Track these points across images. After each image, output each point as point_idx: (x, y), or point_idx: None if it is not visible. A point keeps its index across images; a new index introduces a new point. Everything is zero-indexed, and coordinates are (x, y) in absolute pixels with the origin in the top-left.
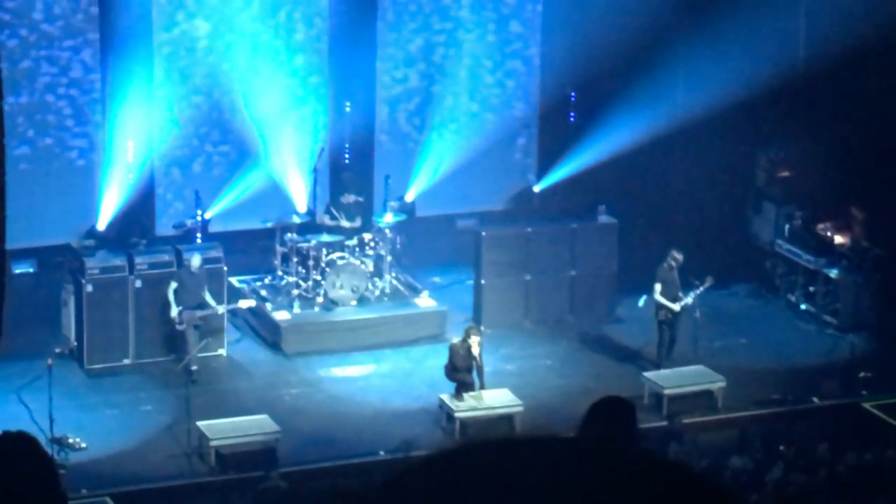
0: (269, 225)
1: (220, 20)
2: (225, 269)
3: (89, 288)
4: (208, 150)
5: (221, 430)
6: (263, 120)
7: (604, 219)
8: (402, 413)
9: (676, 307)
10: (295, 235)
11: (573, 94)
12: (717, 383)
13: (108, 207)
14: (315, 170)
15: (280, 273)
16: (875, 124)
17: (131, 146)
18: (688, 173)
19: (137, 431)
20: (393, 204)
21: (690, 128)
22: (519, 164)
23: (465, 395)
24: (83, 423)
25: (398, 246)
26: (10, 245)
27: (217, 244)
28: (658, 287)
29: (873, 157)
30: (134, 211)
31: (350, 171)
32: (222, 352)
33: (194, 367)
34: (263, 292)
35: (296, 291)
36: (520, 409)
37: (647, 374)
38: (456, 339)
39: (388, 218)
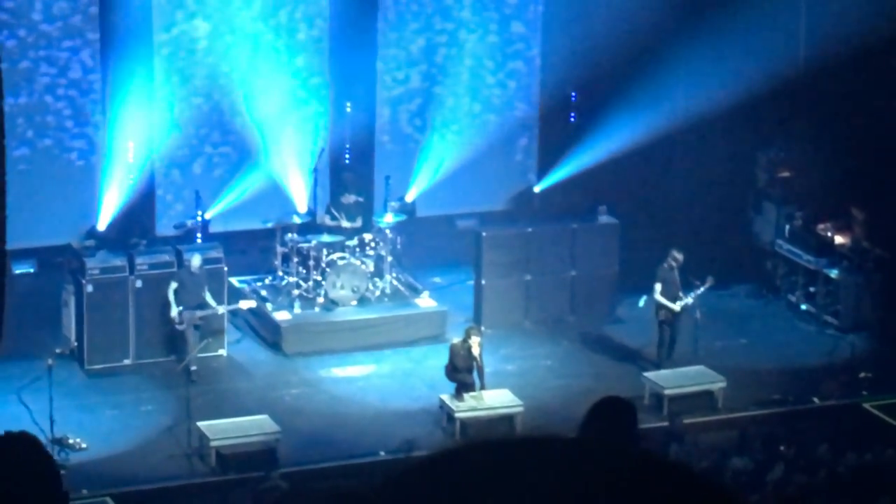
0: (269, 225)
1: (220, 20)
2: (225, 269)
3: (90, 288)
4: (208, 151)
5: (222, 430)
6: (264, 120)
7: (604, 219)
8: (403, 413)
9: (676, 307)
10: (295, 236)
11: (573, 94)
12: (718, 384)
13: (109, 208)
14: (315, 170)
15: (280, 273)
16: (875, 124)
17: (131, 146)
18: (688, 173)
19: (138, 432)
20: (393, 204)
21: (691, 128)
22: (519, 164)
23: (466, 396)
24: (84, 424)
25: (398, 246)
26: (11, 245)
27: (217, 244)
28: (658, 287)
29: (873, 157)
30: (134, 211)
31: (350, 172)
32: (223, 352)
33: (193, 367)
34: (264, 292)
35: (296, 292)
36: (520, 409)
37: (647, 374)
38: (456, 340)
39: (389, 218)
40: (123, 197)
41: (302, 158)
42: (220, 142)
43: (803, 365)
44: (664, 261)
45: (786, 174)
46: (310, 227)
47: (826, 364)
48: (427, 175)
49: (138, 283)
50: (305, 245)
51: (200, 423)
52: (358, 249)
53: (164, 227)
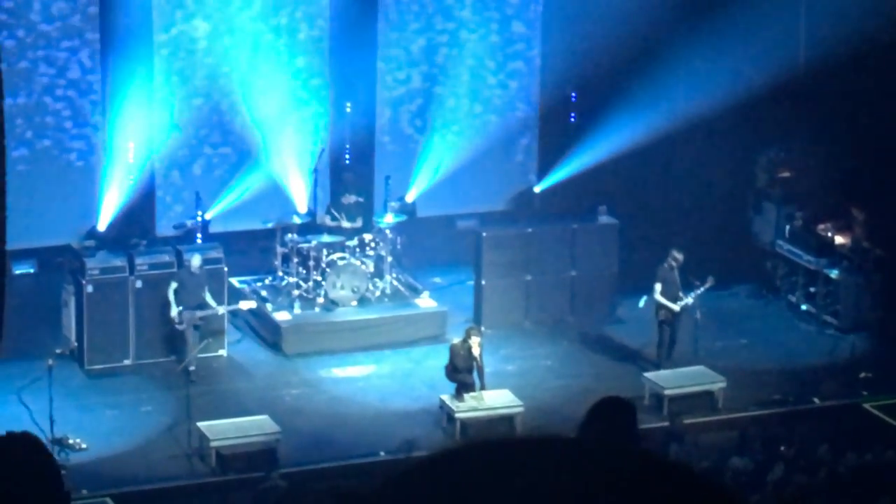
0: (269, 225)
1: (220, 21)
2: (225, 269)
3: (90, 288)
4: (208, 151)
5: (222, 430)
6: (264, 120)
7: (604, 219)
8: (403, 414)
9: (676, 307)
10: (295, 236)
11: (574, 94)
12: (718, 384)
13: (109, 208)
14: (316, 170)
15: (280, 273)
16: (875, 124)
17: (132, 147)
18: (688, 174)
19: (138, 432)
20: (393, 204)
21: (691, 128)
22: (519, 164)
23: (466, 396)
24: (83, 424)
25: (399, 246)
26: (11, 246)
27: (217, 245)
28: (658, 287)
29: (873, 157)
30: (134, 211)
31: (351, 172)
32: (223, 352)
33: (192, 368)
34: (264, 293)
35: (296, 292)
36: (520, 409)
37: (647, 374)
38: (456, 340)
39: (389, 218)
40: (123, 197)
41: (302, 159)
42: (220, 142)
43: (803, 365)
44: (664, 261)
45: (786, 174)
46: (310, 227)
47: (826, 364)
48: (427, 175)
49: (138, 284)
50: (305, 245)
51: (200, 424)
52: (358, 250)
53: (164, 228)
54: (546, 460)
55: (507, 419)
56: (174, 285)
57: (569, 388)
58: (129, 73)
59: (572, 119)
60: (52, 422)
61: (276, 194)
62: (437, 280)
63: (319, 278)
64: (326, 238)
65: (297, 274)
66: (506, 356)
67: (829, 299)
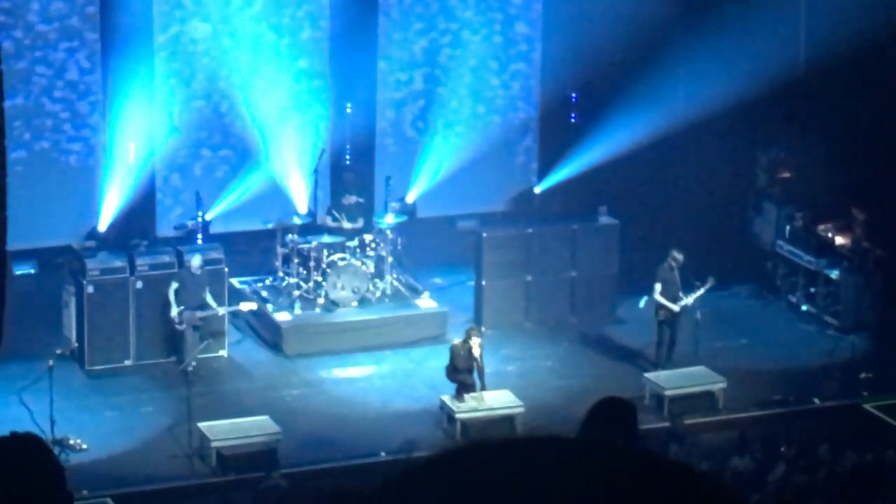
0: (270, 226)
1: (221, 21)
2: (226, 270)
3: (90, 289)
4: (209, 152)
5: (222, 431)
6: (264, 121)
7: (605, 220)
8: (403, 414)
9: (676, 307)
10: (296, 236)
11: (574, 95)
12: (718, 384)
13: (109, 209)
14: (316, 171)
15: (281, 274)
16: (875, 125)
17: (132, 147)
18: (688, 174)
19: (138, 432)
20: (394, 205)
21: (691, 129)
22: (520, 165)
23: (466, 396)
24: (84, 425)
25: (399, 247)
26: (11, 246)
27: (218, 245)
28: (658, 287)
29: (874, 157)
30: (135, 212)
31: (351, 173)
32: (223, 353)
33: (189, 368)
34: (264, 293)
35: (297, 292)
36: (521, 410)
37: (647, 374)
38: (457, 340)
39: (389, 219)
40: (124, 198)
41: (302, 159)
42: (220, 143)
43: (804, 365)
44: (664, 261)
45: (786, 175)
46: (310, 227)
47: (826, 365)
48: (427, 176)
49: (139, 284)
50: (306, 246)
51: (201, 424)
52: (358, 250)
53: (165, 228)
54: (546, 461)
55: (508, 420)
56: (175, 285)
57: (569, 388)
58: (130, 73)
59: (573, 119)
60: (52, 422)
61: (276, 195)
62: (438, 280)
63: (320, 279)
64: (327, 238)
65: (298, 274)
66: (506, 357)
67: (829, 300)
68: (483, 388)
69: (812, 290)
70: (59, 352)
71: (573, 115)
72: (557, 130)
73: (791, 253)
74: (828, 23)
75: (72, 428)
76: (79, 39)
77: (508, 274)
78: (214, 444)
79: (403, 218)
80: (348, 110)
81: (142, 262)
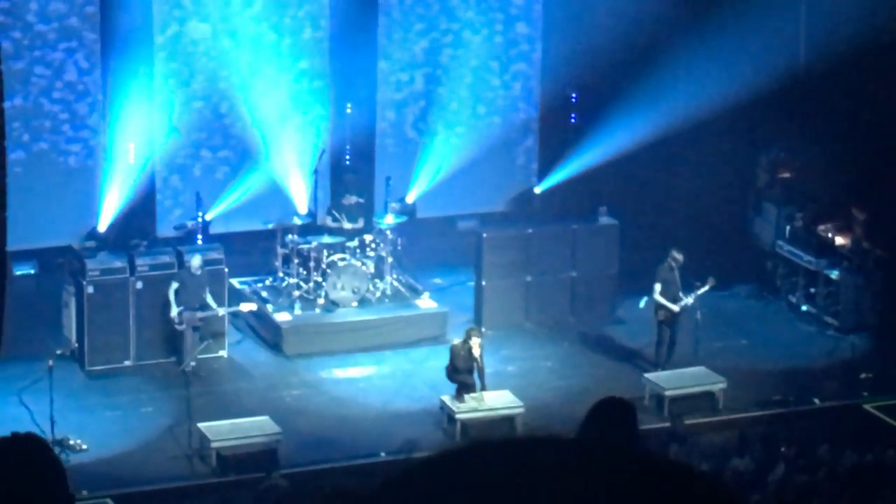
0: (270, 226)
1: (221, 22)
2: (226, 270)
3: (90, 289)
4: (209, 153)
5: (222, 431)
6: (264, 121)
7: (604, 220)
8: (404, 414)
9: (676, 308)
10: (296, 237)
11: (574, 95)
12: (718, 384)
13: (109, 209)
14: (316, 171)
15: (281, 274)
16: (876, 125)
17: (132, 148)
18: (689, 174)
19: (138, 433)
20: (394, 205)
21: (691, 129)
22: (520, 165)
23: (466, 397)
24: (84, 425)
25: (399, 247)
26: (11, 247)
27: (218, 245)
28: (658, 287)
29: (874, 157)
30: (135, 212)
31: (351, 173)
32: (223, 353)
33: (188, 368)
34: (264, 293)
35: (297, 293)
36: (521, 410)
37: (648, 375)
38: (457, 341)
39: (389, 219)
40: (124, 198)
41: (302, 159)
42: (220, 143)
43: (804, 366)
44: (664, 261)
45: (786, 175)
46: (310, 228)
47: (826, 365)
48: (427, 176)
49: (139, 285)
50: (306, 246)
51: (201, 425)
52: (358, 250)
53: (165, 229)
54: (546, 461)
55: (508, 420)
56: (175, 285)
57: (569, 388)
58: (130, 74)
59: (573, 120)
60: (52, 423)
61: (276, 195)
62: (438, 281)
63: (320, 279)
64: (327, 239)
65: (298, 275)
66: (506, 357)
67: (829, 300)
68: (483, 388)
69: (812, 290)
70: (59, 352)
71: (573, 115)
72: (557, 131)
73: (791, 253)
74: (828, 23)
75: (72, 428)
76: (77, 40)
77: (508, 274)
78: (214, 445)
79: (403, 218)
80: (348, 110)
81: (142, 263)
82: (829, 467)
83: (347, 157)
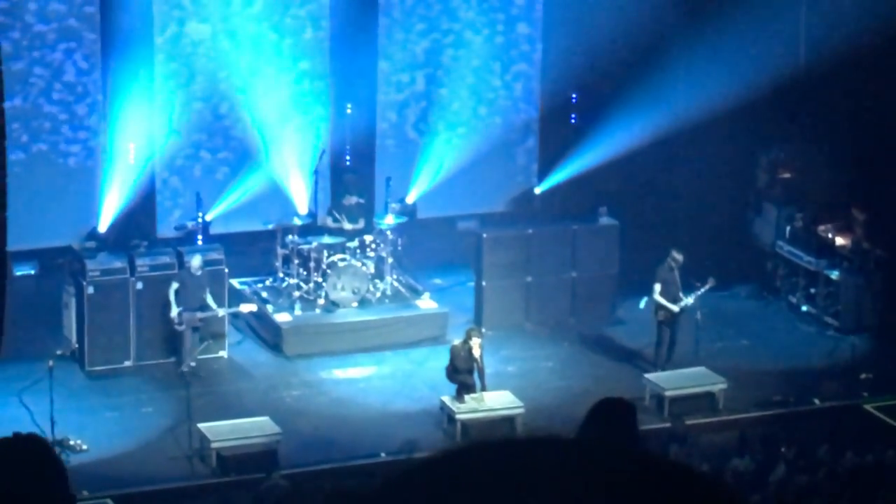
0: (270, 227)
1: (221, 23)
2: (226, 270)
3: (90, 290)
4: (209, 152)
5: (222, 431)
6: (264, 122)
7: (605, 220)
8: (404, 415)
9: (675, 308)
10: (296, 237)
11: (574, 95)
12: (718, 385)
13: (110, 209)
14: (316, 171)
15: (281, 275)
16: (876, 125)
17: (132, 148)
18: (689, 175)
19: (138, 433)
20: (394, 206)
21: (691, 129)
22: (520, 165)
23: (467, 397)
24: (84, 425)
25: (399, 248)
26: (12, 247)
27: (218, 246)
28: (658, 287)
29: (874, 158)
30: (135, 213)
31: (351, 173)
32: (223, 353)
33: (186, 369)
34: (265, 294)
35: (297, 293)
36: (521, 410)
37: (648, 375)
38: (457, 341)
39: (390, 220)
40: (124, 199)
41: (303, 160)
42: (220, 144)
43: (804, 366)
44: (664, 261)
45: (786, 175)
46: (311, 228)
47: (826, 365)
48: (428, 176)
49: (139, 285)
50: (306, 247)
51: (201, 425)
52: (358, 251)
53: (165, 229)
54: (546, 461)
55: (508, 420)
56: (175, 286)
57: (569, 389)
58: (130, 74)
59: (573, 120)
60: (52, 423)
61: (276, 195)
62: (438, 281)
63: (320, 279)
64: (327, 239)
65: (298, 275)
66: (506, 357)
67: (829, 300)
68: (483, 388)
69: (812, 290)
70: (59, 352)
71: (573, 115)
72: (558, 131)
73: (791, 253)
74: (828, 23)
75: (72, 429)
76: (77, 40)
77: (509, 275)
78: (215, 445)
79: (404, 219)
80: (348, 111)
81: (142, 263)
82: (829, 467)
83: (347, 157)
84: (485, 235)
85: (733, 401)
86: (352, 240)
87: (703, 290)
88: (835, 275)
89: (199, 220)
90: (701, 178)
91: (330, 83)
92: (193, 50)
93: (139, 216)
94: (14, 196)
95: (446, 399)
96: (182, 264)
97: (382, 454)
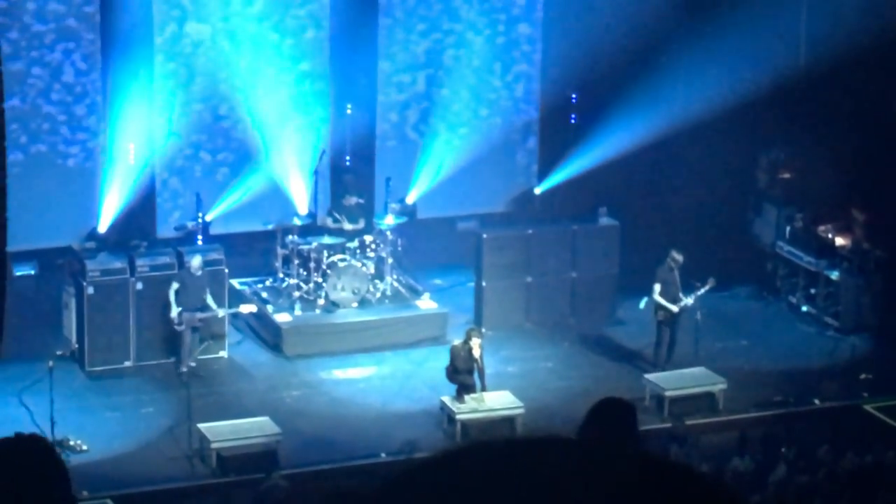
0: (270, 227)
1: (221, 23)
2: (226, 271)
3: (90, 290)
4: (209, 153)
5: (222, 432)
6: (264, 122)
7: (605, 221)
8: (404, 415)
9: (675, 308)
10: (296, 237)
11: (574, 96)
12: (718, 385)
13: (110, 210)
14: (316, 172)
15: (281, 275)
16: (876, 125)
17: (132, 148)
18: (689, 175)
19: (138, 433)
20: (394, 206)
21: (691, 129)
22: (520, 166)
23: (467, 397)
24: (84, 426)
25: (399, 248)
26: (12, 247)
27: (218, 246)
28: (657, 287)
29: (874, 158)
30: (135, 213)
31: (351, 174)
32: (223, 354)
33: (184, 369)
34: (265, 294)
35: (297, 293)
36: (521, 410)
37: (648, 375)
38: (457, 341)
39: (389, 220)
40: (124, 199)
41: (303, 160)
42: (220, 144)
43: (804, 366)
44: (664, 262)
45: (786, 175)
46: (311, 228)
47: (826, 366)
48: (428, 177)
49: (139, 285)
50: (306, 247)
51: (201, 425)
52: (358, 251)
53: (165, 229)
54: (546, 461)
55: (508, 420)
56: (175, 286)
57: (569, 389)
58: (129, 74)
59: (573, 120)
60: (52, 423)
61: (276, 196)
62: (438, 282)
63: (320, 280)
64: (327, 240)
65: (298, 275)
66: (506, 357)
67: (829, 301)
68: (483, 389)
69: (812, 291)
70: (59, 353)
71: (573, 116)
72: (558, 131)
73: (791, 254)
74: (828, 23)
75: (72, 429)
76: (75, 41)
77: (509, 275)
78: (215, 446)
79: (404, 219)
80: (348, 111)
81: (142, 263)
82: (829, 468)
83: (347, 157)
84: (485, 236)
85: (733, 401)
86: (352, 240)
87: (702, 290)
88: (835, 275)
89: (199, 220)
90: (701, 179)
91: (330, 83)
92: (193, 50)
93: (139, 216)
94: (14, 196)
95: (446, 399)
96: (182, 265)
97: (382, 454)
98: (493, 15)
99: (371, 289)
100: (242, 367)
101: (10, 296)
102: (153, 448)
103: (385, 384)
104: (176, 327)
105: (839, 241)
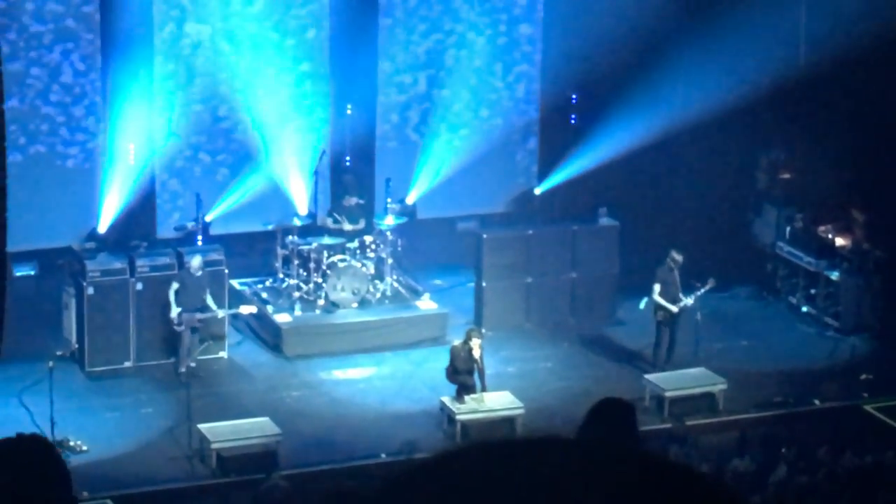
0: (270, 227)
1: (221, 23)
2: (226, 271)
3: (90, 290)
4: (209, 154)
5: (222, 432)
6: (264, 122)
7: (605, 221)
8: (404, 415)
9: (674, 308)
10: (296, 238)
11: (574, 96)
12: (718, 385)
13: (110, 210)
14: (316, 172)
15: (281, 275)
16: (876, 126)
17: (132, 149)
18: (689, 175)
19: (138, 434)
20: (394, 206)
21: (691, 130)
22: (520, 166)
23: (467, 398)
24: (84, 426)
25: (399, 248)
26: (12, 248)
27: (218, 246)
28: (657, 288)
29: (874, 158)
30: (135, 213)
31: (351, 174)
32: (223, 354)
33: (183, 369)
34: (265, 295)
35: (297, 294)
36: (521, 411)
37: (648, 376)
38: (457, 342)
39: (389, 220)
40: (124, 199)
41: (303, 160)
42: (220, 145)
43: (804, 367)
44: (664, 262)
45: (786, 176)
46: (310, 229)
47: (826, 366)
48: (427, 177)
49: (139, 286)
50: (306, 247)
51: (201, 426)
52: (358, 251)
53: (165, 230)
54: (546, 462)
55: (508, 421)
56: (175, 286)
57: (569, 389)
58: (129, 75)
59: (573, 121)
60: (52, 424)
61: (276, 196)
62: (438, 282)
63: (320, 280)
64: (327, 240)
65: (298, 276)
66: (506, 358)
67: (829, 301)
68: (483, 389)
69: (812, 291)
70: (59, 353)
71: (573, 116)
72: (558, 132)
73: (791, 254)
74: (828, 23)
75: (72, 429)
76: (74, 41)
77: (508, 275)
78: (214, 446)
79: (404, 219)
80: (348, 112)
81: (142, 264)
82: (829, 468)
83: (347, 158)
84: (485, 236)
85: (733, 401)
86: (352, 240)
87: (702, 290)
88: (835, 275)
89: (199, 220)
90: (701, 179)
91: (330, 84)
92: (193, 51)
93: (139, 217)
94: (14, 197)
95: (446, 400)
96: (182, 265)
97: (382, 455)
98: (494, 15)
99: (371, 289)
100: (242, 368)
101: (10, 296)
102: (153, 448)
103: (385, 384)
104: (176, 328)
105: (839, 241)
